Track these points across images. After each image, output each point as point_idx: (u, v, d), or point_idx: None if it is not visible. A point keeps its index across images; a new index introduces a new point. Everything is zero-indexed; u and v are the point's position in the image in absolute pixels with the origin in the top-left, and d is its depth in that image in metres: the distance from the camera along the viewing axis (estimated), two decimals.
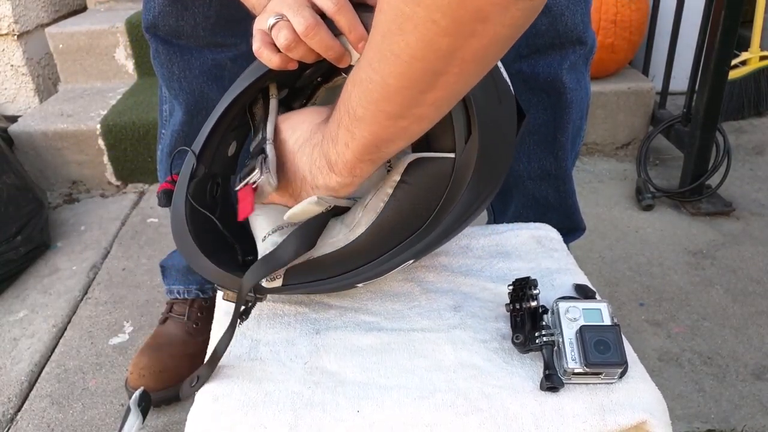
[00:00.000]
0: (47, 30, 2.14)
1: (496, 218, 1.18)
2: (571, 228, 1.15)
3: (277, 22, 0.60)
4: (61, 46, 2.14)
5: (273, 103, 0.69)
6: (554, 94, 0.99)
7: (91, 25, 2.13)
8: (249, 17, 0.72)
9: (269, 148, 0.64)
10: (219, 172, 0.73)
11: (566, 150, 1.05)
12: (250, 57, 1.01)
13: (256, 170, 0.62)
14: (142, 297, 1.45)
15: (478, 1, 0.37)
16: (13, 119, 2.03)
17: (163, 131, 1.11)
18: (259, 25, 0.63)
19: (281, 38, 0.60)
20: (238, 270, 0.67)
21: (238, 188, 0.64)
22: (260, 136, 0.66)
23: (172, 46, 0.97)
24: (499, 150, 0.65)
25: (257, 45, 0.63)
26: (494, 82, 0.62)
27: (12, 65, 2.16)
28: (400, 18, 0.40)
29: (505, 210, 1.14)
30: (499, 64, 0.65)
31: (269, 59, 0.63)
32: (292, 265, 0.65)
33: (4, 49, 2.13)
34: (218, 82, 1.01)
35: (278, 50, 0.62)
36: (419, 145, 0.64)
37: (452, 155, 0.61)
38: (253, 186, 0.63)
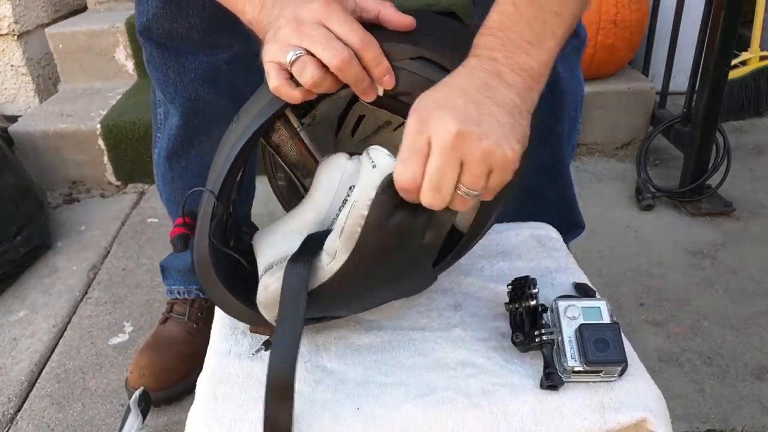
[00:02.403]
0: (47, 30, 2.14)
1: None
2: (570, 225, 1.15)
3: (299, 57, 0.56)
4: (61, 46, 2.14)
5: (304, 136, 0.67)
6: (549, 84, 0.99)
7: (91, 25, 2.13)
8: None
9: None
10: (231, 201, 0.72)
11: (563, 141, 1.05)
12: (245, 58, 1.00)
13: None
14: (142, 297, 1.45)
15: None
16: (13, 119, 2.03)
17: (159, 135, 1.10)
18: (274, 57, 0.58)
19: (307, 76, 0.56)
20: None
21: None
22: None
23: (167, 49, 0.97)
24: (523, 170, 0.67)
25: (275, 83, 0.58)
26: None
27: (12, 65, 2.16)
28: None
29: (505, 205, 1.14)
30: None
31: (289, 96, 0.59)
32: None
33: (4, 49, 2.13)
34: (214, 84, 1.00)
35: (297, 84, 0.58)
36: None
37: None
38: None
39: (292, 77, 0.58)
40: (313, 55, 0.56)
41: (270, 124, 0.65)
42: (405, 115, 0.62)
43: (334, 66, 0.56)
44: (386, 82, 0.59)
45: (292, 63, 0.57)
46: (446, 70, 0.59)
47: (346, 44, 0.57)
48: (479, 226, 0.66)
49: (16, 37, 2.10)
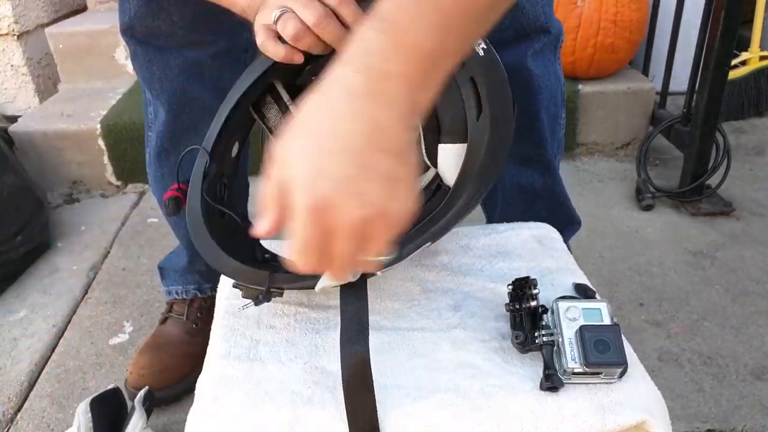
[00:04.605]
0: (47, 30, 2.14)
1: (487, 207, 1.16)
2: (564, 220, 1.14)
3: (283, 14, 0.60)
4: (61, 46, 2.14)
5: (294, 111, 0.68)
6: (522, 82, 0.99)
7: (91, 25, 2.13)
8: (226, 13, 0.71)
9: None
10: (226, 173, 0.72)
11: (545, 137, 1.05)
12: (230, 53, 1.01)
13: None
14: (142, 297, 1.45)
15: None
16: (13, 119, 2.03)
17: (150, 134, 1.10)
18: (262, 20, 0.63)
19: (289, 28, 0.60)
20: (258, 266, 0.68)
21: None
22: None
23: (150, 46, 0.96)
24: (506, 121, 0.67)
25: (261, 39, 0.63)
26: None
27: (12, 65, 2.16)
28: None
29: (494, 198, 1.12)
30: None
31: (275, 51, 0.62)
32: None
33: (4, 49, 2.13)
34: (199, 79, 1.00)
35: (283, 42, 0.62)
36: (430, 130, 0.65)
37: (464, 144, 0.64)
38: None
39: (280, 37, 0.62)
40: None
41: (259, 91, 0.67)
42: None
43: (311, 24, 0.59)
44: None
45: (276, 20, 0.61)
46: None
47: (325, 4, 0.60)
48: (464, 178, 0.66)
49: (16, 37, 2.10)
